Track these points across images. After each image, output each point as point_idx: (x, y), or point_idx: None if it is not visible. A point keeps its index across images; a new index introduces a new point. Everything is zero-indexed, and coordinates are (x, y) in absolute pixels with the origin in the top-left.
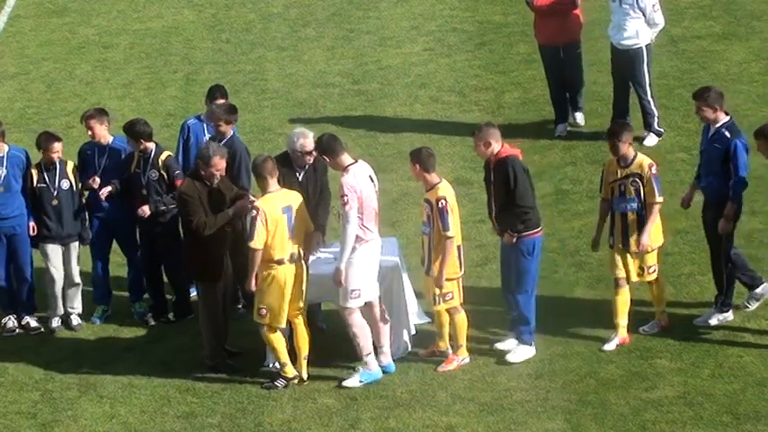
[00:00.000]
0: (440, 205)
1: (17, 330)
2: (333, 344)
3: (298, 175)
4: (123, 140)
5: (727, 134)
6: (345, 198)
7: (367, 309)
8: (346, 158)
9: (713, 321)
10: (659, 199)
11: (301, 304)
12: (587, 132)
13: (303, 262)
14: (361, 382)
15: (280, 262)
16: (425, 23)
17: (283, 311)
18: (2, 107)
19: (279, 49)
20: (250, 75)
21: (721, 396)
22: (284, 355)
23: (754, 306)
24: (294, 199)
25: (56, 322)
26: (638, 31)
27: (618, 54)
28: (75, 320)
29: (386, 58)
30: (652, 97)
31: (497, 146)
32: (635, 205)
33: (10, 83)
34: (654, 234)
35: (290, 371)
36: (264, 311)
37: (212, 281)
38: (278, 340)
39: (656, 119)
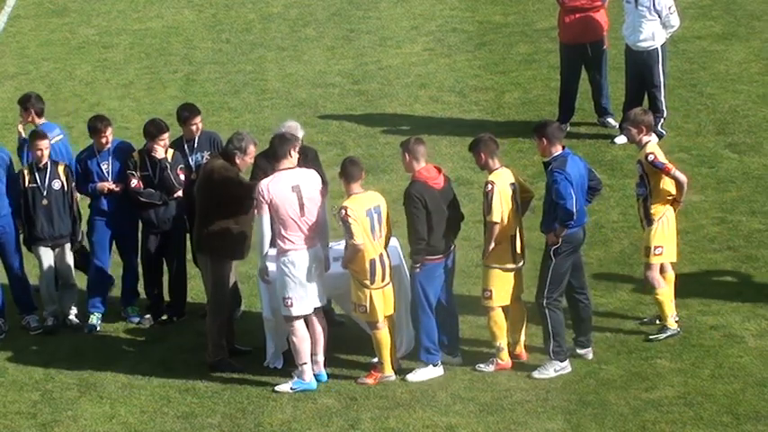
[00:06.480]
0: (340, 214)
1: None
2: (332, 345)
3: None
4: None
5: (551, 167)
6: (254, 201)
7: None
8: (284, 164)
9: (550, 373)
10: None
11: None
12: (587, 133)
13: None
14: (292, 389)
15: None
16: (425, 23)
17: None
18: (2, 107)
19: (279, 49)
20: (250, 75)
21: (721, 396)
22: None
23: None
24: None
25: (51, 322)
26: (654, 33)
27: (634, 55)
28: (75, 320)
29: (386, 58)
30: (664, 98)
31: (417, 165)
32: None
33: (10, 83)
34: None
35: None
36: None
37: (229, 258)
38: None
39: (662, 120)
